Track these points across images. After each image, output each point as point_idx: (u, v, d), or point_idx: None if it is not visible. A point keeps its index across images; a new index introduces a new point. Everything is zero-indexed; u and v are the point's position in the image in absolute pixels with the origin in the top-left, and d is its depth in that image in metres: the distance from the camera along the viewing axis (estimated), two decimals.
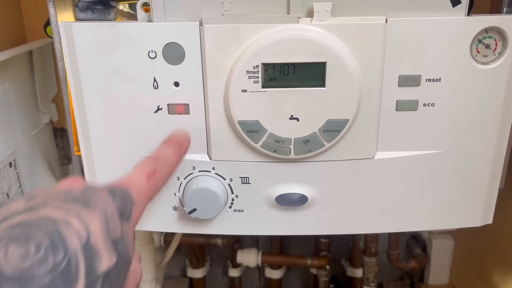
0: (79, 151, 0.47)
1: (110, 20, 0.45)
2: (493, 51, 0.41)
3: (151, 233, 0.73)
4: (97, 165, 0.46)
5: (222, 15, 0.40)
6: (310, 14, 0.39)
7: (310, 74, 0.40)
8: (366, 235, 0.85)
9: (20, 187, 0.67)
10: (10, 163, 0.64)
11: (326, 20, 0.39)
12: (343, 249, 0.94)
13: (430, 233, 0.87)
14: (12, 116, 0.65)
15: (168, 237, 0.85)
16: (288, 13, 0.39)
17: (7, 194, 0.63)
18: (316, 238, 0.91)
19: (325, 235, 0.88)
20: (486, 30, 0.40)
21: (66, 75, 0.43)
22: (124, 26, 0.40)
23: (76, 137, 0.46)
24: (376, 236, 0.85)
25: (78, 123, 0.44)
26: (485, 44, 0.40)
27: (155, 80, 0.41)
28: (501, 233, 0.65)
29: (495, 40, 0.40)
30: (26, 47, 0.65)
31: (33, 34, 0.72)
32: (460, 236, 0.83)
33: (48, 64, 0.73)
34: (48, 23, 0.49)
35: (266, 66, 0.39)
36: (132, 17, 0.55)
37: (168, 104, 0.42)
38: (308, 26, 0.39)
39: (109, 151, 0.45)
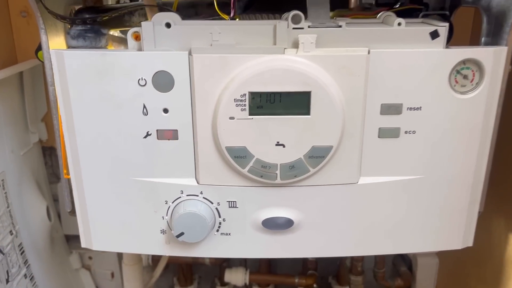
0: (68, 174, 0.48)
1: (101, 47, 0.46)
2: (471, 81, 0.43)
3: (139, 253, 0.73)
4: (86, 189, 0.46)
5: (211, 45, 0.41)
6: (295, 45, 0.40)
7: (296, 102, 0.41)
8: None
9: (8, 207, 0.67)
10: None
11: (311, 51, 0.40)
12: (330, 268, 0.95)
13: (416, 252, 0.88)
14: (1, 136, 0.65)
15: (156, 256, 0.85)
16: (275, 44, 0.41)
17: None
18: (304, 257, 0.92)
19: None
20: (464, 62, 0.42)
21: (56, 99, 0.44)
22: (115, 54, 0.41)
23: (66, 160, 0.46)
24: (362, 255, 0.86)
25: (68, 146, 0.45)
26: (463, 74, 0.42)
27: (144, 106, 0.42)
28: (483, 254, 0.67)
29: (473, 71, 0.42)
30: (17, 68, 0.66)
31: (24, 54, 0.73)
32: (445, 255, 0.84)
33: (38, 84, 0.74)
34: (39, 48, 0.50)
35: (253, 95, 0.40)
36: (123, 41, 0.56)
37: (157, 130, 0.43)
38: (294, 57, 0.40)
39: (98, 174, 0.45)
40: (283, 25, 0.40)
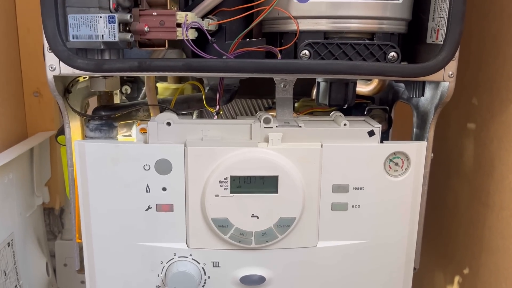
0: (80, 239, 0.58)
1: (113, 137, 0.57)
2: (401, 167, 0.55)
3: None
4: (95, 251, 0.56)
5: (201, 139, 0.53)
6: (266, 140, 0.53)
7: (267, 183, 0.53)
8: None
9: (14, 264, 0.75)
10: (8, 243, 0.73)
11: (278, 145, 0.53)
12: None
13: None
14: (12, 201, 0.75)
15: None
16: (251, 139, 0.53)
17: (5, 272, 0.71)
18: None
19: None
20: (394, 153, 0.55)
21: (75, 178, 0.55)
22: (126, 145, 0.53)
23: (79, 227, 0.56)
24: None
25: (82, 216, 0.55)
26: (395, 162, 0.55)
27: (147, 186, 0.53)
28: None
29: (402, 159, 0.55)
30: (28, 144, 0.77)
31: (34, 128, 0.83)
32: None
33: (45, 154, 0.84)
34: (59, 134, 0.61)
35: (234, 178, 0.52)
36: (127, 126, 0.68)
37: (156, 204, 0.54)
38: (265, 149, 0.53)
39: (106, 239, 0.55)
40: (257, 125, 0.53)
